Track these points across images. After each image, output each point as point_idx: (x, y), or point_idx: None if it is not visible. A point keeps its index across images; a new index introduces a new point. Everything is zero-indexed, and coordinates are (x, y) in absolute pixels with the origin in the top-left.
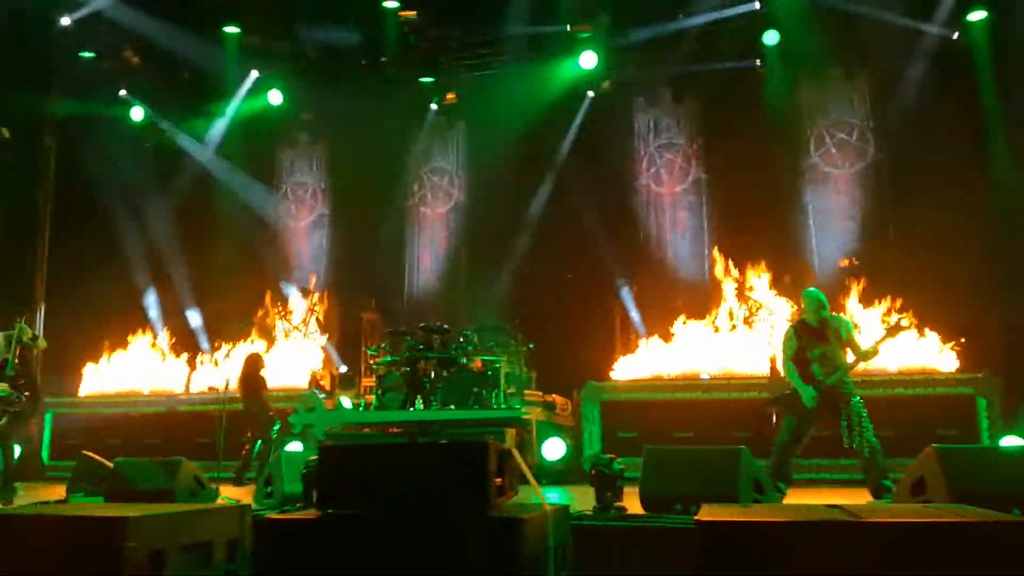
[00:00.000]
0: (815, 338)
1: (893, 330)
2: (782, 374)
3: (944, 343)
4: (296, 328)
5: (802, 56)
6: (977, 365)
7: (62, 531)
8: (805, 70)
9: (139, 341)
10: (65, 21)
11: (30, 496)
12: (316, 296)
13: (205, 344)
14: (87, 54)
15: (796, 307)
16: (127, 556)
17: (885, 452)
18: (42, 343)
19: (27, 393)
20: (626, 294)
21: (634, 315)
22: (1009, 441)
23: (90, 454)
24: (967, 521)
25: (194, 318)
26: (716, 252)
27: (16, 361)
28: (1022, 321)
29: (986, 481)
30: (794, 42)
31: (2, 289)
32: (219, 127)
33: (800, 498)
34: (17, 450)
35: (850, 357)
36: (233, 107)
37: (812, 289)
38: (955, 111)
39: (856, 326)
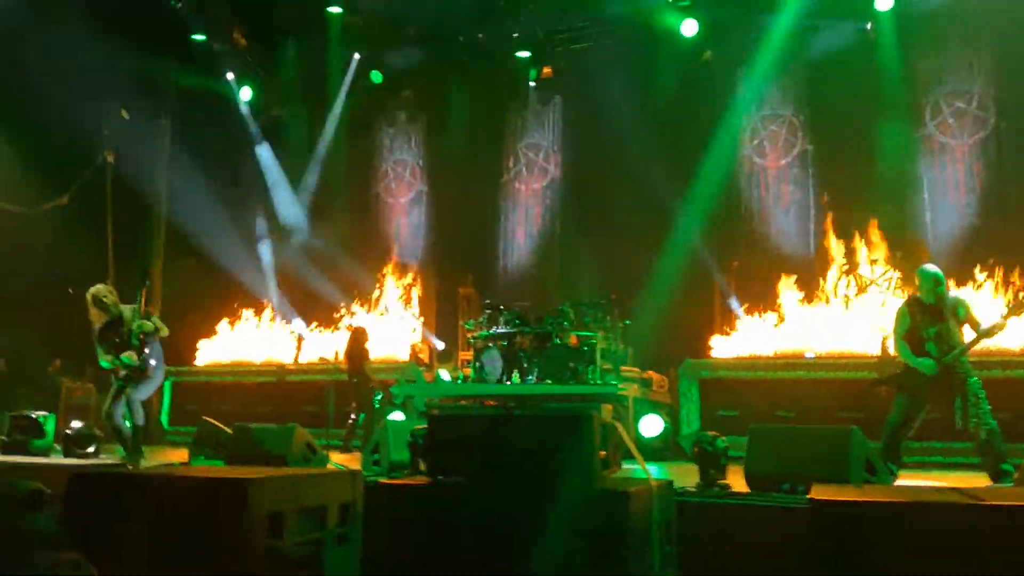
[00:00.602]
0: (930, 316)
1: (1017, 308)
2: (893, 352)
3: None
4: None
5: (917, 20)
6: None
7: (189, 491)
8: (920, 35)
9: (251, 313)
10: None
11: (152, 459)
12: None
13: (298, 321)
14: (198, 36)
15: (907, 284)
16: (250, 516)
17: (1003, 435)
18: (164, 330)
19: (152, 361)
20: (720, 274)
21: (730, 294)
22: None
23: (210, 419)
24: None
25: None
26: (823, 227)
27: (141, 333)
28: None
29: None
30: (909, 5)
31: (125, 263)
32: (330, 114)
33: (912, 481)
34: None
35: (968, 336)
36: (343, 92)
37: (928, 266)
38: None
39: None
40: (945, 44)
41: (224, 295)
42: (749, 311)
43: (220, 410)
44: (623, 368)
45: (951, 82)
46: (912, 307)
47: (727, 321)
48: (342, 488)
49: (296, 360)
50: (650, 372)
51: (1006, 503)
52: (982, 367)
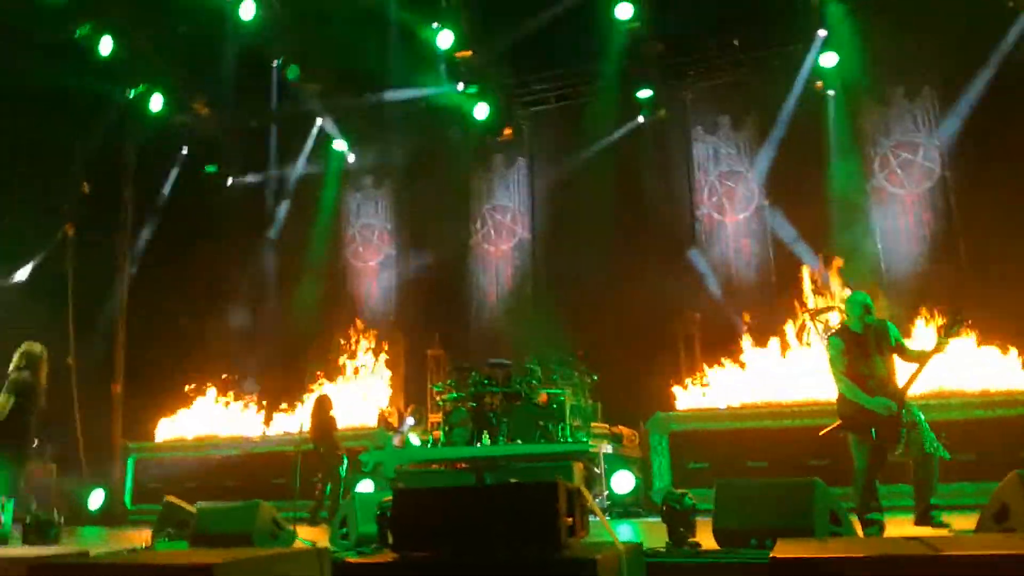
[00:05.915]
0: (862, 349)
1: (954, 327)
2: (842, 393)
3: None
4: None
5: (863, 76)
6: None
7: None
8: (866, 90)
9: (215, 386)
10: None
11: (116, 541)
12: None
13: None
14: (159, 109)
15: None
16: None
17: (962, 476)
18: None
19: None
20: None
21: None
22: None
23: (174, 499)
24: None
25: (268, 361)
26: (784, 279)
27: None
28: None
29: None
30: (854, 62)
31: (87, 336)
32: (292, 177)
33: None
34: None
35: (901, 364)
36: (303, 158)
37: (856, 293)
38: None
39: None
40: (891, 98)
41: (189, 367)
42: (711, 363)
43: (185, 487)
44: (592, 424)
45: (897, 134)
46: (846, 341)
47: (693, 373)
48: (309, 566)
49: (263, 432)
50: (619, 427)
51: (967, 552)
52: (942, 409)
